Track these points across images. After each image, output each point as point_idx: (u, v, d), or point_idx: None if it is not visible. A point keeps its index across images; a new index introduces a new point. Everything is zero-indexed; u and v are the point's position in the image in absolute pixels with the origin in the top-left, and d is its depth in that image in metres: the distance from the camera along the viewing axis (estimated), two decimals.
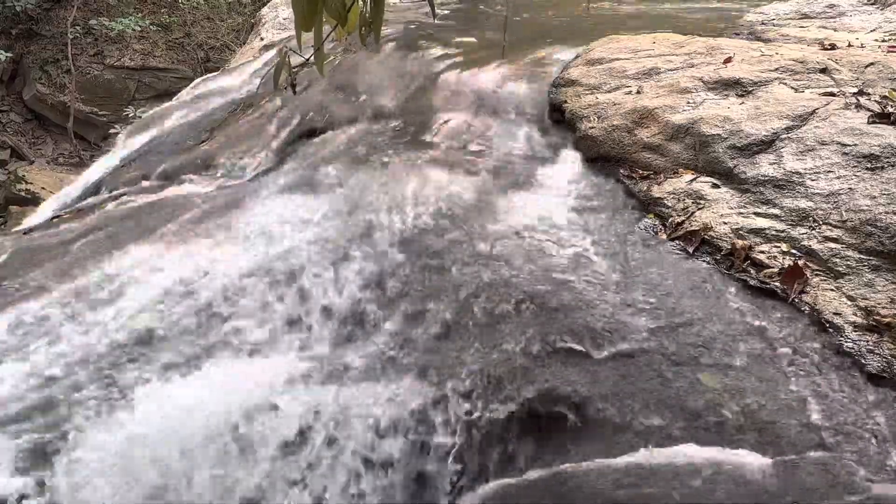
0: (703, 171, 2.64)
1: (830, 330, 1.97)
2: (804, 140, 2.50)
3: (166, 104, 5.32)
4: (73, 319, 2.44)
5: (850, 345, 1.92)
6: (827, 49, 3.21)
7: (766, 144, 2.56)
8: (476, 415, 1.92)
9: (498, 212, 2.70)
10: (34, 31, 11.19)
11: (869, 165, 2.31)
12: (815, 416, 1.78)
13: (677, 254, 2.37)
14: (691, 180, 2.62)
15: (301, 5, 1.47)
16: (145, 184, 3.79)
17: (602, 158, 2.94)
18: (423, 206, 2.75)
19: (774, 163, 2.48)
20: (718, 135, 2.67)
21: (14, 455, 1.98)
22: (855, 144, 2.39)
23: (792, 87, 2.83)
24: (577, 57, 3.59)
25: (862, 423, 1.75)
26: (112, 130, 8.58)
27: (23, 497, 1.88)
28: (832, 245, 2.16)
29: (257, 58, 5.48)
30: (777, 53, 3.13)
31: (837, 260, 2.12)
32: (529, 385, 1.96)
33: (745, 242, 2.28)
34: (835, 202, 2.26)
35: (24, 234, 3.47)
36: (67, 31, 10.67)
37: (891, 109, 2.51)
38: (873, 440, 1.72)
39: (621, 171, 2.84)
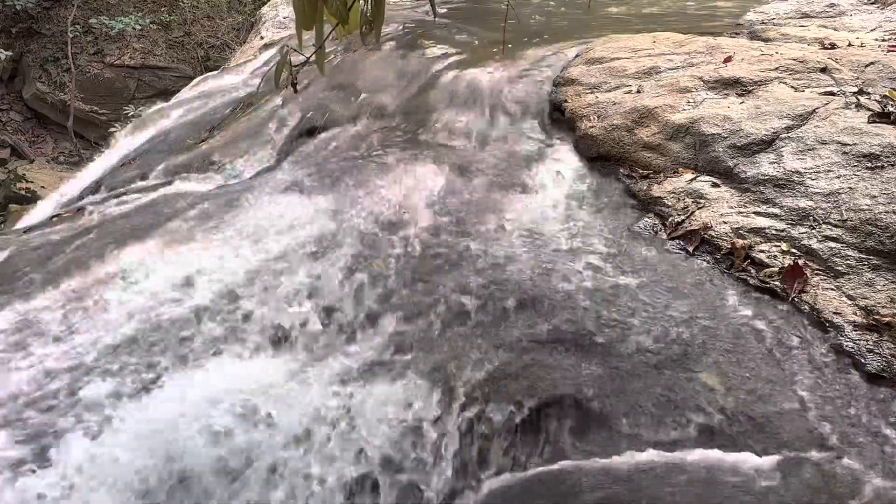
0: (703, 171, 2.64)
1: (830, 329, 1.97)
2: (804, 139, 2.50)
3: (166, 103, 5.32)
4: (71, 319, 2.44)
5: (850, 344, 1.92)
6: (827, 48, 3.20)
7: (766, 144, 2.56)
8: (476, 413, 1.93)
9: (497, 211, 2.70)
10: (34, 30, 11.19)
11: (869, 165, 2.31)
12: (815, 416, 1.78)
13: (677, 253, 2.37)
14: (691, 179, 2.62)
15: (302, 5, 1.47)
16: (145, 183, 3.78)
17: (602, 158, 2.94)
18: (422, 205, 2.76)
19: (774, 162, 2.48)
20: (718, 134, 2.67)
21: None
22: (855, 144, 2.39)
23: (792, 87, 2.83)
24: (577, 56, 3.59)
25: (862, 423, 1.75)
26: (112, 129, 8.58)
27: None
28: (832, 244, 2.16)
29: (257, 56, 5.48)
30: (777, 53, 3.13)
31: (837, 259, 2.12)
32: (529, 383, 1.96)
33: (745, 242, 2.28)
34: (835, 201, 2.26)
35: (24, 232, 3.46)
36: (67, 29, 10.68)
37: (891, 109, 2.51)
38: (873, 439, 1.72)
39: (621, 170, 2.84)
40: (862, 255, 2.10)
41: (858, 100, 2.62)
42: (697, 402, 1.85)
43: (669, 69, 3.19)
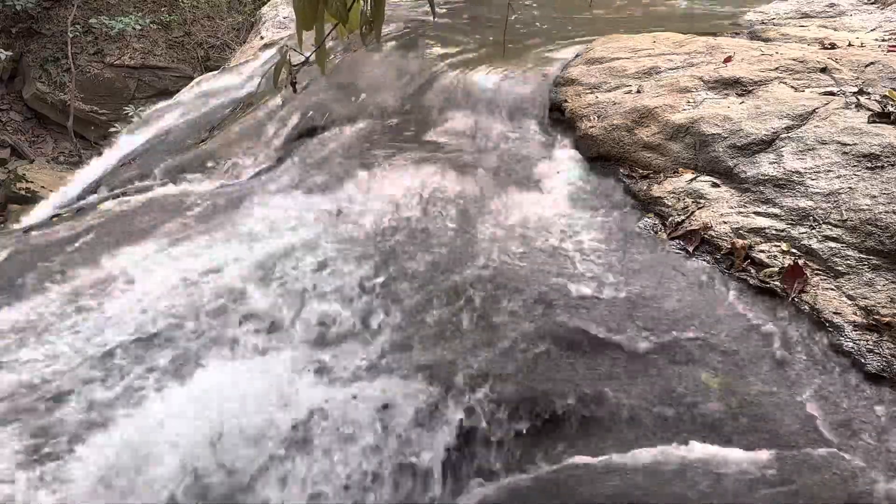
0: (703, 171, 2.64)
1: (830, 329, 1.97)
2: (804, 139, 2.50)
3: (166, 103, 5.31)
4: (69, 319, 2.44)
5: (850, 344, 1.92)
6: (827, 48, 3.20)
7: (766, 144, 2.56)
8: (477, 412, 1.93)
9: (497, 211, 2.70)
10: (34, 30, 11.19)
11: (869, 165, 2.31)
12: (816, 415, 1.78)
13: (677, 253, 2.37)
14: (691, 179, 2.62)
15: (302, 5, 1.47)
16: (145, 183, 3.78)
17: (602, 158, 2.94)
18: (421, 205, 2.76)
19: (774, 162, 2.48)
20: (718, 134, 2.67)
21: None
22: (855, 144, 2.39)
23: (792, 87, 2.83)
24: (577, 56, 3.58)
25: (862, 423, 1.76)
26: (112, 129, 8.58)
27: None
28: (832, 244, 2.16)
29: (257, 56, 5.47)
30: (777, 53, 3.13)
31: (837, 259, 2.12)
32: (529, 382, 1.96)
33: (745, 242, 2.28)
34: (835, 201, 2.26)
35: (24, 232, 3.46)
36: (67, 29, 10.67)
37: (891, 109, 2.51)
38: (873, 439, 1.72)
39: (621, 170, 2.84)
40: (862, 255, 2.10)
41: (858, 100, 2.62)
42: (698, 401, 1.85)
43: (669, 69, 3.19)
